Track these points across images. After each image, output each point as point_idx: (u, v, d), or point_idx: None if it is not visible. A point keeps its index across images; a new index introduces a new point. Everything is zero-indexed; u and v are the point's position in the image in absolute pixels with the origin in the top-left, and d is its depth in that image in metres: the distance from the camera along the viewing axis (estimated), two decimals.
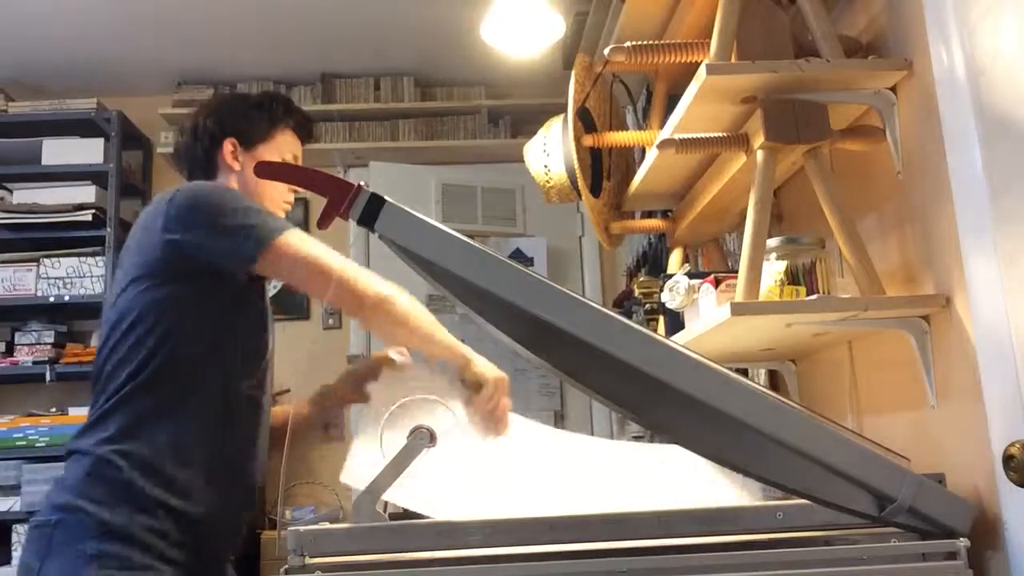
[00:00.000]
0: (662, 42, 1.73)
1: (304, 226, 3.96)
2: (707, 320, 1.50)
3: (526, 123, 3.89)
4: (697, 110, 1.56)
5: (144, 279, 1.52)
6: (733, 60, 1.50)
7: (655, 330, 1.95)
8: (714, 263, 2.19)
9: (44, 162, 3.65)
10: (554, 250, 3.98)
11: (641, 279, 2.25)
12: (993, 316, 1.20)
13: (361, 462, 1.35)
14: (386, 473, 1.24)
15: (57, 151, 3.66)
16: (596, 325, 1.13)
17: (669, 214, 2.21)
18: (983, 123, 1.22)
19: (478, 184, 4.00)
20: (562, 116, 2.12)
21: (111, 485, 1.42)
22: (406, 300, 1.49)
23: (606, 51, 1.69)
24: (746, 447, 1.14)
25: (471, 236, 1.19)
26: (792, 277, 1.46)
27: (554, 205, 2.31)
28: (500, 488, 1.43)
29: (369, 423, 1.41)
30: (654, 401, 1.15)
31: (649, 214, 2.60)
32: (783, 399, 1.21)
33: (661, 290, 1.77)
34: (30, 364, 3.49)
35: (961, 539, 1.12)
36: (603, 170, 2.19)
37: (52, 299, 3.51)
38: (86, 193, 3.59)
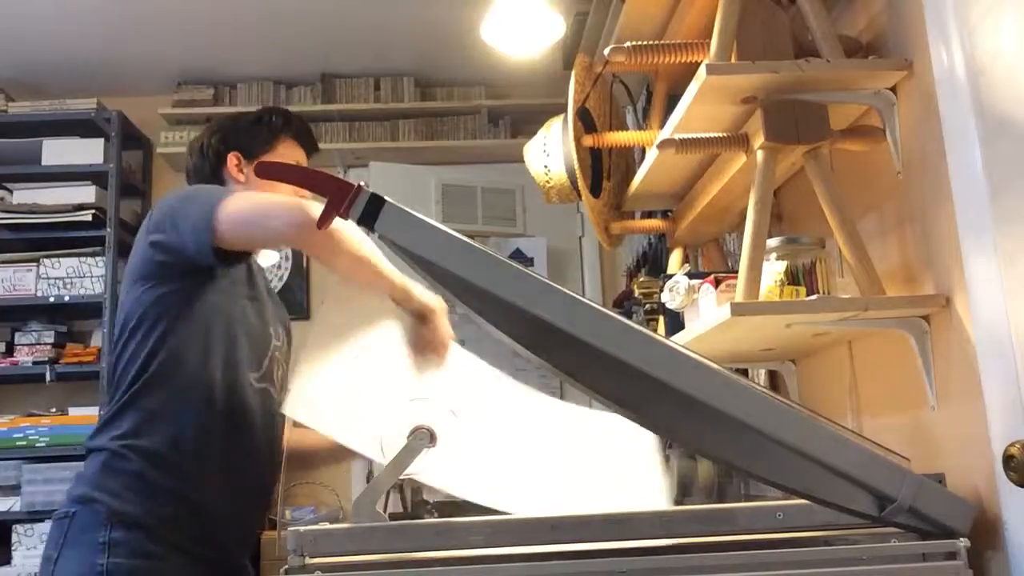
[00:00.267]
0: (662, 42, 1.73)
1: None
2: (707, 320, 1.50)
3: (526, 123, 3.89)
4: (697, 110, 1.56)
5: (141, 281, 1.58)
6: (733, 60, 1.50)
7: (655, 330, 1.95)
8: (714, 263, 2.19)
9: (44, 162, 3.65)
10: (554, 250, 3.98)
11: (641, 279, 2.25)
12: (993, 316, 1.20)
13: (302, 394, 1.39)
14: (386, 473, 1.24)
15: (57, 151, 3.66)
16: (596, 325, 1.13)
17: (669, 214, 2.21)
18: (983, 123, 1.22)
19: (478, 184, 4.00)
20: (562, 116, 2.12)
21: (124, 477, 1.49)
22: (353, 231, 1.46)
23: (606, 51, 1.69)
24: (746, 447, 1.14)
25: (471, 236, 1.19)
26: (792, 277, 1.46)
27: (554, 205, 2.31)
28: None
29: (314, 351, 1.43)
30: (654, 401, 1.15)
31: (649, 214, 2.60)
32: (783, 399, 1.21)
33: (661, 290, 1.77)
34: (30, 364, 3.49)
35: (961, 539, 1.12)
36: (603, 170, 2.19)
37: (52, 299, 3.51)
38: (86, 193, 3.59)
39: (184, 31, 3.52)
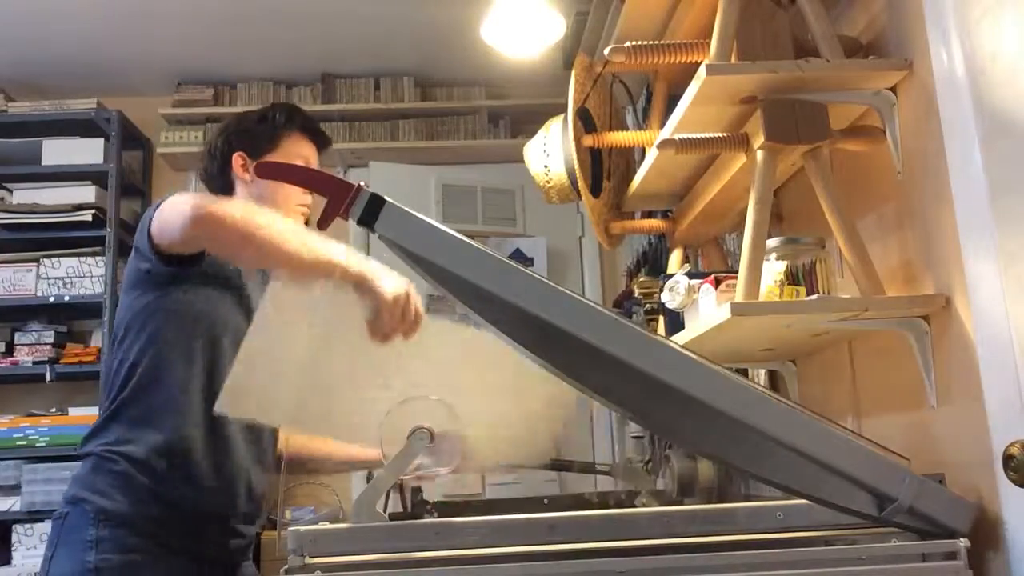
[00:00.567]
0: (662, 42, 1.73)
1: (304, 226, 3.95)
2: (707, 320, 1.50)
3: (526, 123, 3.88)
4: (697, 110, 1.56)
5: (130, 290, 1.62)
6: (733, 60, 1.50)
7: (655, 330, 1.95)
8: (714, 263, 2.19)
9: (44, 162, 3.65)
10: (554, 250, 3.98)
11: (641, 279, 2.25)
12: (993, 316, 1.20)
13: (237, 389, 1.36)
14: (386, 473, 1.24)
15: (57, 151, 3.66)
16: (596, 325, 1.13)
17: (669, 214, 2.21)
18: (983, 123, 1.22)
19: (478, 184, 4.00)
20: (562, 116, 2.12)
21: (111, 477, 1.53)
22: (276, 220, 1.40)
23: (606, 51, 1.69)
24: (746, 447, 1.14)
25: (471, 236, 1.19)
26: (792, 277, 1.46)
27: (554, 205, 2.31)
28: None
29: (255, 336, 1.37)
30: (654, 401, 1.15)
31: (649, 214, 2.60)
32: (783, 399, 1.21)
33: (661, 290, 1.77)
34: (30, 364, 3.49)
35: (961, 539, 1.12)
36: (603, 170, 2.19)
37: (52, 299, 3.51)
38: (86, 193, 3.59)
39: (184, 31, 3.52)
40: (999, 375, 1.19)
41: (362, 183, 1.19)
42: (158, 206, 1.55)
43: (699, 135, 1.58)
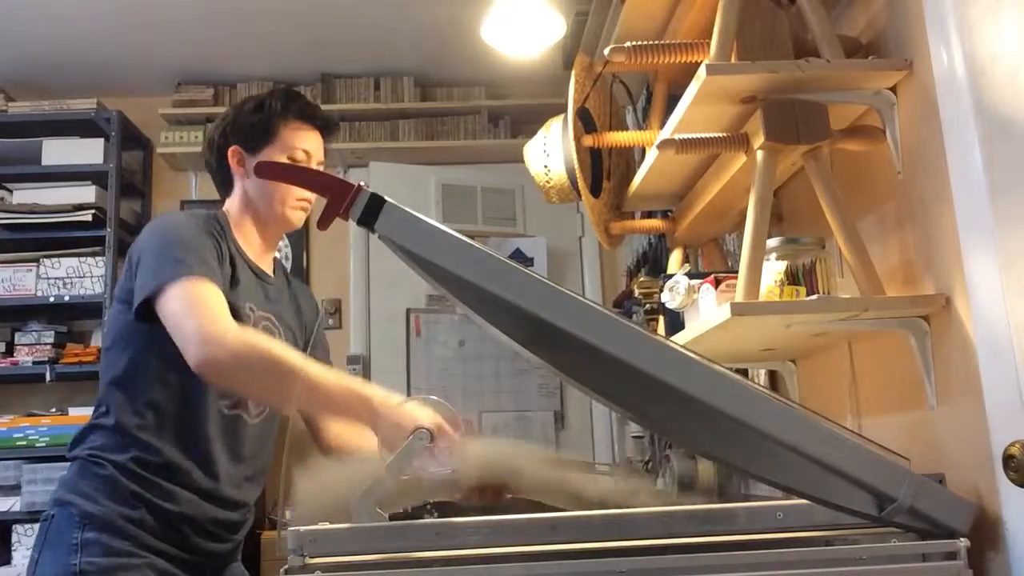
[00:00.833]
0: (662, 42, 1.73)
1: (304, 227, 3.95)
2: (707, 320, 1.50)
3: (526, 123, 3.89)
4: (697, 110, 1.56)
5: (118, 302, 1.63)
6: (733, 60, 1.50)
7: (655, 330, 1.95)
8: (714, 263, 2.19)
9: (44, 162, 3.65)
10: (554, 250, 3.99)
11: (641, 279, 2.25)
12: (993, 316, 1.20)
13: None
14: (386, 473, 1.24)
15: (57, 151, 3.66)
16: (596, 325, 1.13)
17: (669, 214, 2.21)
18: (983, 123, 1.22)
19: (478, 184, 4.00)
20: (562, 116, 2.12)
21: (97, 481, 1.54)
22: (296, 358, 1.44)
23: (606, 51, 1.69)
24: (746, 447, 1.14)
25: (471, 236, 1.19)
26: (792, 277, 1.46)
27: (554, 205, 2.31)
28: None
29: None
30: (654, 401, 1.15)
31: (649, 214, 2.60)
32: (783, 399, 1.21)
33: (661, 290, 1.77)
34: (30, 364, 3.49)
35: (961, 539, 1.12)
36: (603, 170, 2.19)
37: (52, 299, 3.51)
38: (86, 193, 3.59)
39: (184, 31, 3.52)
40: (999, 375, 1.19)
41: (362, 183, 1.19)
42: (148, 245, 1.55)
43: (699, 135, 1.58)
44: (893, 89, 1.48)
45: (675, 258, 2.19)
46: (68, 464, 1.61)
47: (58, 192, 3.60)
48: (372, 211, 1.17)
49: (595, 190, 2.14)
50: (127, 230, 3.66)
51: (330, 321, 3.93)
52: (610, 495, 1.46)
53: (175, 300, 1.48)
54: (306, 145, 1.73)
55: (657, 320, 2.01)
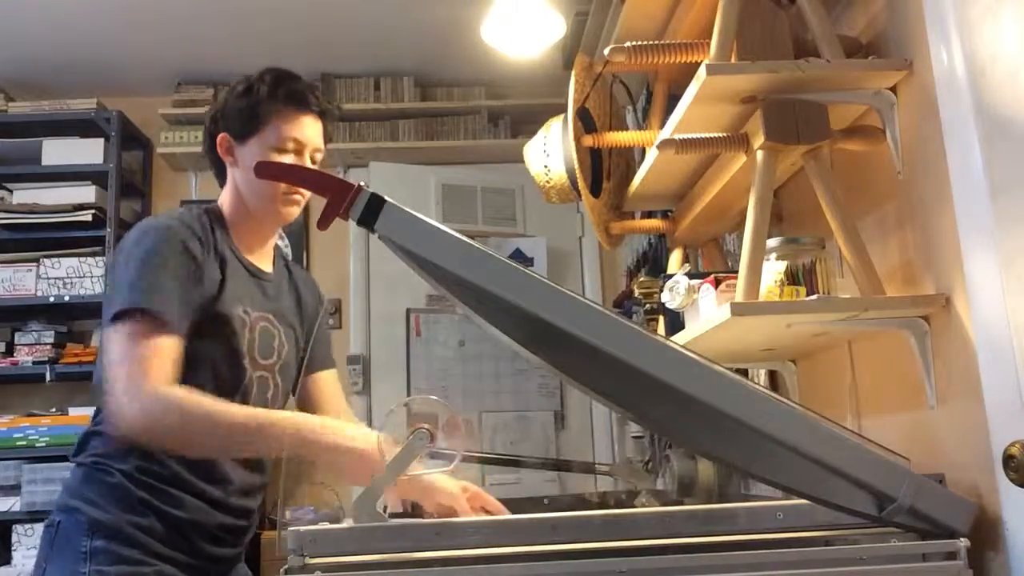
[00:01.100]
0: (662, 42, 1.73)
1: (304, 226, 3.97)
2: (707, 320, 1.50)
3: (526, 123, 3.89)
4: (697, 110, 1.56)
5: (107, 307, 1.57)
6: (733, 60, 1.50)
7: (655, 330, 1.95)
8: (714, 263, 2.19)
9: (44, 162, 3.65)
10: (554, 250, 3.99)
11: (641, 279, 2.25)
12: (993, 316, 1.20)
13: None
14: (386, 473, 1.24)
15: (57, 151, 3.66)
16: (596, 325, 1.13)
17: (669, 214, 2.21)
18: (983, 123, 1.22)
19: (478, 184, 4.00)
20: (562, 116, 2.12)
21: (103, 487, 1.51)
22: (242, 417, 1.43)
23: (606, 51, 1.69)
24: (746, 447, 1.14)
25: (471, 236, 1.19)
26: (792, 277, 1.46)
27: (554, 205, 2.31)
28: None
29: None
30: (654, 401, 1.15)
31: (649, 214, 2.60)
32: (783, 399, 1.21)
33: (661, 290, 1.77)
34: (30, 364, 3.49)
35: (961, 539, 1.12)
36: (603, 170, 2.19)
37: (52, 299, 3.51)
38: (86, 193, 3.59)
39: (184, 31, 3.52)
40: (999, 375, 1.19)
41: (362, 183, 1.19)
42: (124, 257, 1.51)
43: (699, 135, 1.58)
44: (893, 89, 1.48)
45: (675, 258, 2.19)
46: (71, 468, 1.58)
47: (58, 192, 3.60)
48: (372, 211, 1.17)
49: (595, 190, 2.14)
50: (127, 230, 3.66)
51: (330, 321, 3.93)
52: None
53: (116, 341, 1.45)
54: (298, 133, 1.62)
55: (657, 320, 2.01)
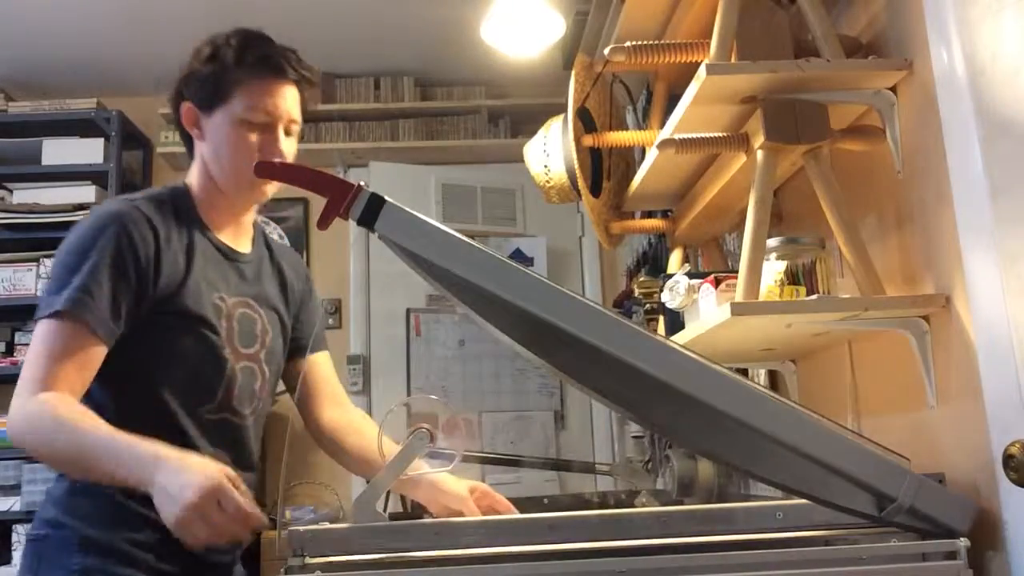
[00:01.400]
0: (662, 42, 1.73)
1: (304, 226, 3.96)
2: (707, 320, 1.50)
3: (526, 123, 3.89)
4: (697, 110, 1.56)
5: None
6: (733, 60, 1.50)
7: (655, 330, 1.95)
8: (714, 263, 2.19)
9: (44, 162, 3.65)
10: (554, 250, 3.99)
11: (641, 279, 2.26)
12: (993, 316, 1.20)
13: None
14: (386, 473, 1.24)
15: (57, 151, 3.66)
16: (596, 325, 1.13)
17: (669, 214, 2.21)
18: (983, 123, 1.22)
19: (478, 184, 4.00)
20: (562, 116, 2.12)
21: (93, 501, 1.40)
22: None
23: (606, 51, 1.69)
24: (746, 447, 1.14)
25: (471, 236, 1.19)
26: (792, 277, 1.46)
27: (554, 205, 2.31)
28: None
29: None
30: (654, 401, 1.15)
31: (649, 214, 2.60)
32: (783, 399, 1.21)
33: (661, 290, 1.77)
34: None
35: (961, 539, 1.12)
36: (603, 170, 2.19)
37: None
38: (86, 193, 3.59)
39: (184, 31, 3.51)
40: (999, 375, 1.19)
41: (362, 183, 1.19)
42: (57, 260, 1.41)
43: (699, 135, 1.58)
44: (893, 89, 1.48)
45: (675, 258, 2.19)
46: (56, 478, 1.46)
47: (58, 192, 3.60)
48: (372, 211, 1.17)
49: (595, 190, 2.14)
50: None
51: (330, 320, 3.93)
52: None
53: (35, 336, 1.37)
54: (269, 103, 1.48)
55: (657, 320, 2.01)
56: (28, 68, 3.75)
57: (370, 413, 3.67)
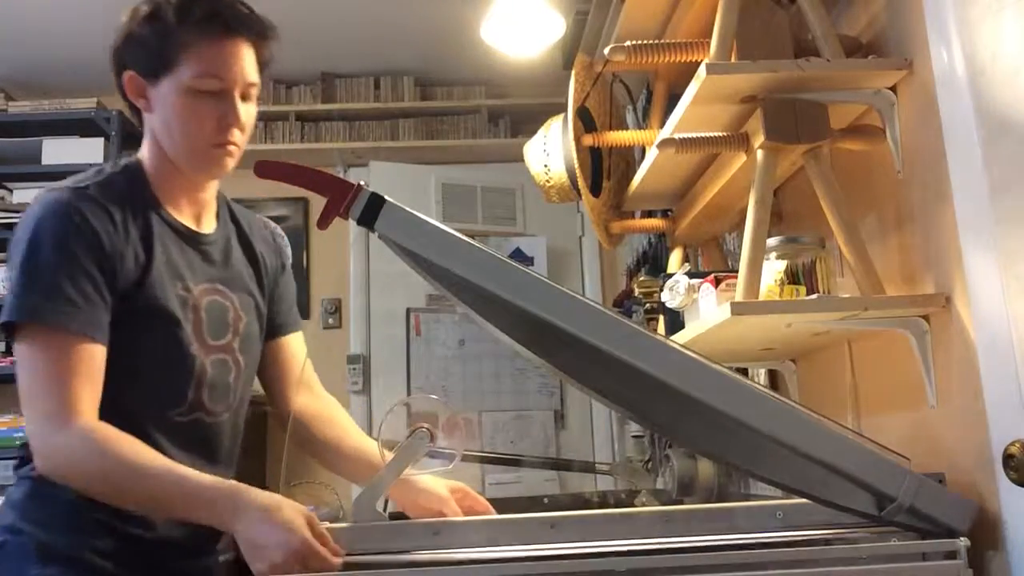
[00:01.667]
0: (662, 42, 1.73)
1: (304, 226, 3.97)
2: (707, 320, 1.50)
3: (526, 123, 3.89)
4: (697, 110, 1.56)
5: None
6: (733, 60, 1.50)
7: (655, 330, 1.95)
8: (714, 263, 2.19)
9: (44, 162, 3.65)
10: (554, 250, 3.99)
11: (641, 279, 2.26)
12: (993, 316, 1.20)
13: None
14: (386, 473, 1.24)
15: (57, 151, 3.66)
16: (596, 325, 1.13)
17: (669, 214, 2.21)
18: (983, 123, 1.22)
19: (478, 184, 4.00)
20: (562, 116, 2.12)
21: (53, 507, 1.29)
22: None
23: (606, 51, 1.69)
24: (746, 447, 1.14)
25: (471, 236, 1.20)
26: (792, 277, 1.46)
27: (554, 205, 2.31)
28: None
29: None
30: (654, 401, 1.15)
31: (649, 214, 2.60)
32: (783, 399, 1.21)
33: (661, 290, 1.77)
34: None
35: (961, 539, 1.12)
36: (603, 170, 2.19)
37: None
38: None
39: None
40: (999, 375, 1.19)
41: (362, 182, 1.19)
42: (14, 260, 1.27)
43: (699, 134, 1.58)
44: (893, 89, 1.48)
45: (675, 257, 2.19)
46: (14, 483, 1.35)
47: None
48: (372, 210, 1.17)
49: (595, 190, 2.14)
50: None
51: (330, 320, 3.93)
52: None
53: (25, 358, 1.25)
54: (220, 67, 1.32)
55: (657, 320, 2.01)
56: (28, 68, 3.75)
57: (370, 413, 3.68)
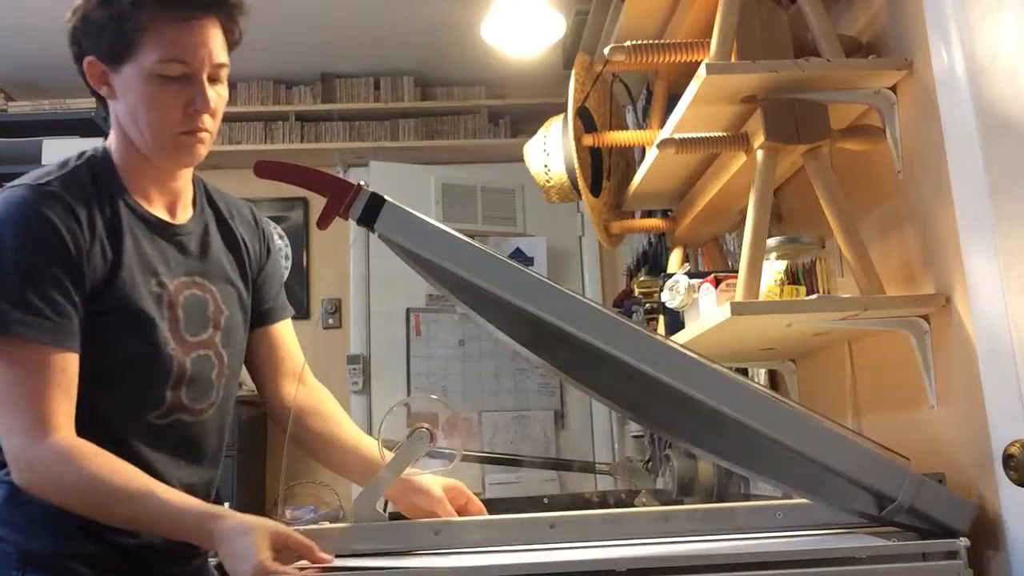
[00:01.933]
0: (662, 42, 1.73)
1: (304, 226, 3.97)
2: (707, 320, 1.50)
3: (526, 123, 3.89)
4: (697, 110, 1.56)
5: None
6: (733, 59, 1.51)
7: (655, 330, 1.95)
8: (714, 263, 2.19)
9: (44, 162, 3.64)
10: (554, 250, 3.99)
11: (641, 279, 2.26)
12: (993, 316, 1.20)
13: None
14: (386, 473, 1.24)
15: (57, 151, 3.65)
16: (596, 325, 1.13)
17: (669, 214, 2.21)
18: (983, 123, 1.22)
19: (478, 184, 4.01)
20: (562, 116, 2.12)
21: (32, 511, 1.23)
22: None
23: (606, 51, 1.69)
24: (746, 447, 1.14)
25: (471, 236, 1.20)
26: (792, 277, 1.46)
27: (554, 205, 2.31)
28: None
29: None
30: (654, 401, 1.15)
31: (649, 214, 2.60)
32: (783, 399, 1.21)
33: (661, 290, 1.77)
34: None
35: (961, 539, 1.12)
36: (603, 170, 2.19)
37: None
38: None
39: None
40: (999, 375, 1.19)
41: (362, 182, 1.19)
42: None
43: (699, 135, 1.58)
44: (893, 89, 1.48)
45: (675, 257, 2.19)
46: None
47: None
48: (372, 210, 1.17)
49: (595, 189, 2.14)
50: None
51: (330, 320, 3.93)
52: None
53: (9, 358, 1.19)
54: (185, 51, 1.25)
55: (657, 320, 2.01)
56: (28, 68, 3.75)
57: (370, 413, 3.68)
